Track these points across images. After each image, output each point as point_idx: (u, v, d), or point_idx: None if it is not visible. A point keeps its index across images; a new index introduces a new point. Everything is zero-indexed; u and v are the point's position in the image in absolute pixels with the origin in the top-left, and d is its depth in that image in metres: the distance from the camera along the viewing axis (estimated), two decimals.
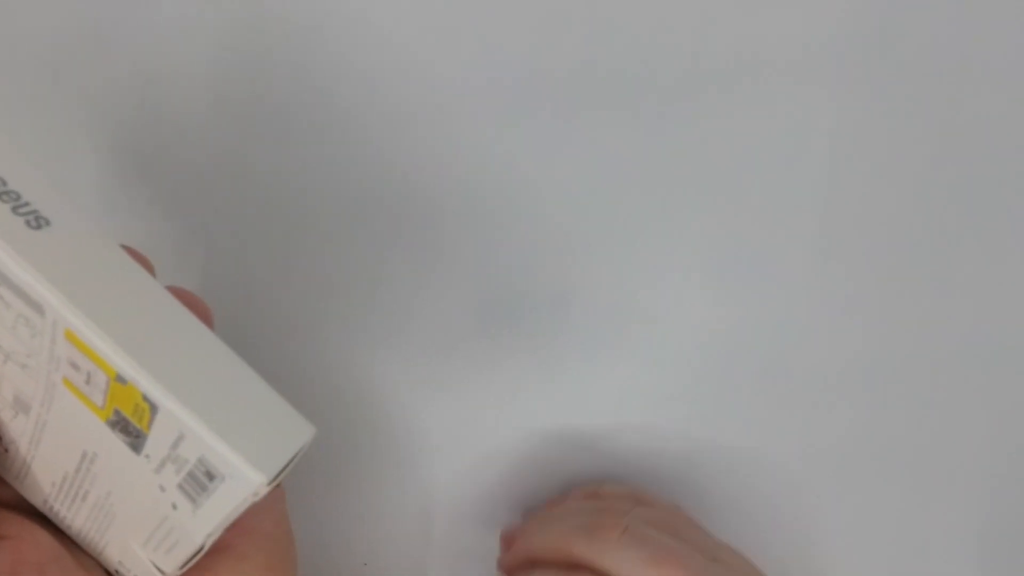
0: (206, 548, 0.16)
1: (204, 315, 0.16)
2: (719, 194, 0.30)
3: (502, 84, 0.29)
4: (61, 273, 0.13)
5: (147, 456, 0.15)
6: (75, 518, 0.18)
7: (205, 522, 0.15)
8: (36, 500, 0.18)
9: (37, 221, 0.13)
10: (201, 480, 0.14)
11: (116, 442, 0.15)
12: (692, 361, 0.30)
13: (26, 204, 0.13)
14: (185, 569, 0.17)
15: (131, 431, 0.14)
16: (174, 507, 0.15)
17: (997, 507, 0.30)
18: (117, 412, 0.14)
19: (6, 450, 0.17)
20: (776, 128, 0.30)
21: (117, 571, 0.19)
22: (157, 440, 0.14)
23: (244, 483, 0.14)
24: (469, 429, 0.31)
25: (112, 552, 0.18)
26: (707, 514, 0.32)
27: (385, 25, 0.29)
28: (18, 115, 0.30)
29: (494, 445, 0.31)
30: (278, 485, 0.14)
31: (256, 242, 0.30)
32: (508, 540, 0.28)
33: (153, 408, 0.13)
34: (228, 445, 0.13)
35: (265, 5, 0.28)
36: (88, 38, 0.29)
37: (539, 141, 0.30)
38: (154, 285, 0.15)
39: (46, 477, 0.17)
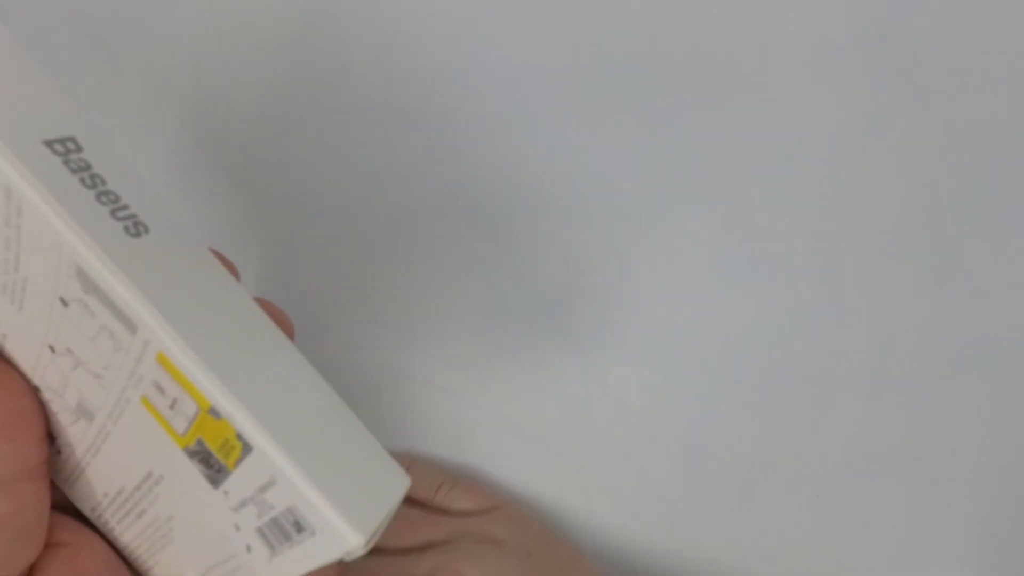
0: None
1: (288, 331, 0.16)
2: (721, 194, 0.30)
3: (500, 82, 0.29)
4: (160, 291, 0.12)
5: (226, 492, 0.14)
6: (125, 532, 0.17)
7: (281, 572, 0.14)
8: (84, 506, 0.18)
9: (136, 228, 0.12)
10: (287, 530, 0.13)
11: (192, 471, 0.14)
12: (692, 361, 0.30)
13: (125, 207, 0.12)
14: None
15: (213, 464, 0.14)
16: (248, 549, 0.14)
17: (996, 507, 0.30)
18: (200, 443, 0.13)
19: (59, 452, 0.17)
20: (778, 128, 0.30)
21: None
22: (242, 480, 0.13)
23: (338, 541, 0.13)
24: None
25: (160, 572, 0.17)
26: (707, 513, 0.32)
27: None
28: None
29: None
30: None
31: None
32: None
33: (246, 448, 0.13)
34: (328, 502, 0.12)
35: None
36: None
37: (538, 141, 0.30)
38: (248, 303, 0.14)
39: (99, 486, 0.17)
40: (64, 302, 0.13)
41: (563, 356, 0.31)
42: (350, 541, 0.12)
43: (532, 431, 0.32)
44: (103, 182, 0.12)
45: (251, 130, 0.30)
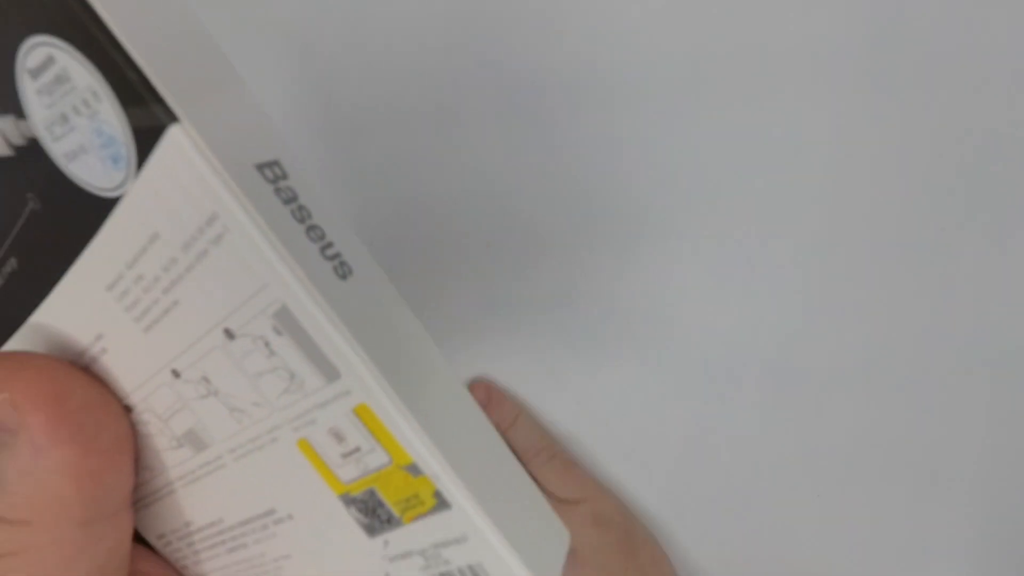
0: None
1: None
2: (721, 194, 0.30)
3: (501, 85, 0.29)
4: (372, 340, 0.11)
5: (386, 542, 0.13)
6: (203, 564, 0.16)
7: None
8: (151, 532, 0.17)
9: (343, 269, 0.11)
10: None
11: (343, 518, 0.13)
12: (693, 361, 0.30)
13: (331, 245, 0.11)
14: None
15: (379, 515, 0.13)
16: None
17: (996, 507, 0.30)
18: (372, 493, 0.13)
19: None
20: (778, 128, 0.30)
21: None
22: (417, 533, 0.13)
23: None
24: None
25: None
26: (708, 513, 0.32)
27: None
28: None
29: None
30: None
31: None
32: None
33: (442, 506, 0.12)
34: (525, 566, 0.12)
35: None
36: None
37: (539, 141, 0.30)
38: (435, 350, 0.13)
39: (183, 515, 0.16)
40: (230, 334, 0.12)
41: (562, 355, 0.31)
42: None
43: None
44: (309, 215, 0.11)
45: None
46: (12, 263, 0.13)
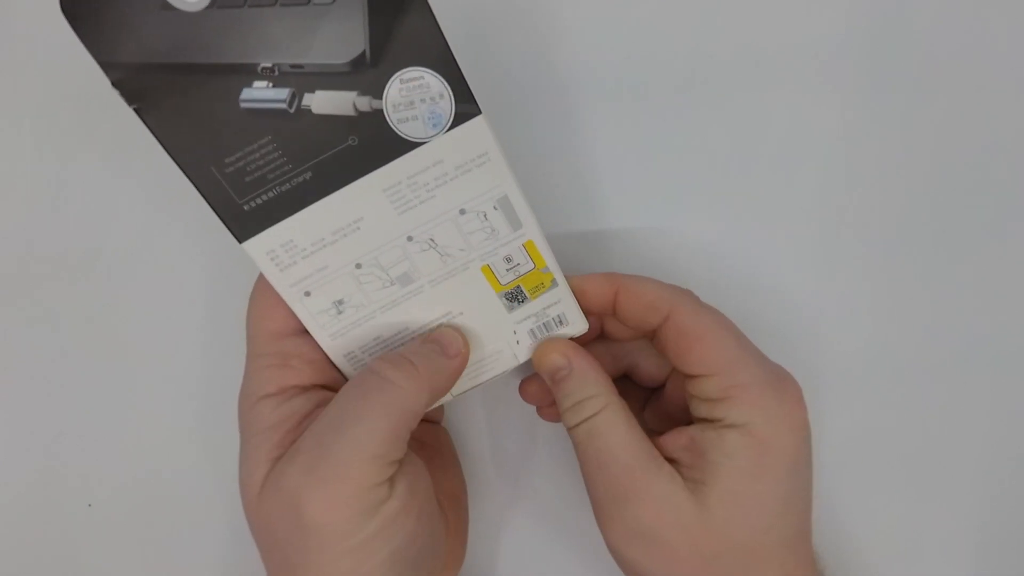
0: (507, 372, 0.26)
1: None
2: (722, 192, 0.30)
3: (501, 82, 0.29)
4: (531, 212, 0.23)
5: (515, 311, 0.25)
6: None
7: (526, 351, 0.25)
8: (338, 353, 0.24)
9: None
10: (551, 326, 0.25)
11: (495, 303, 0.24)
12: None
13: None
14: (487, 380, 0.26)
15: (518, 298, 0.24)
16: (517, 342, 0.25)
17: (996, 508, 0.30)
18: (519, 288, 0.24)
19: (340, 312, 0.24)
20: (779, 128, 0.30)
21: None
22: (536, 304, 0.25)
23: (576, 329, 0.25)
24: None
25: None
26: None
27: None
28: None
29: None
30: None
31: None
32: None
33: (553, 284, 0.24)
34: (579, 310, 0.25)
35: None
36: None
37: (540, 140, 0.30)
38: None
39: (373, 333, 0.24)
40: (463, 211, 0.23)
41: None
42: (582, 326, 0.25)
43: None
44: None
45: None
46: (306, 175, 0.22)
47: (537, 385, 0.27)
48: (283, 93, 0.20)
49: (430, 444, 0.28)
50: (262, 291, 0.24)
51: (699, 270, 0.30)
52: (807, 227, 0.30)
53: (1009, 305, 0.30)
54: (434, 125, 0.21)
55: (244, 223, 0.22)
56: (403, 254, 0.23)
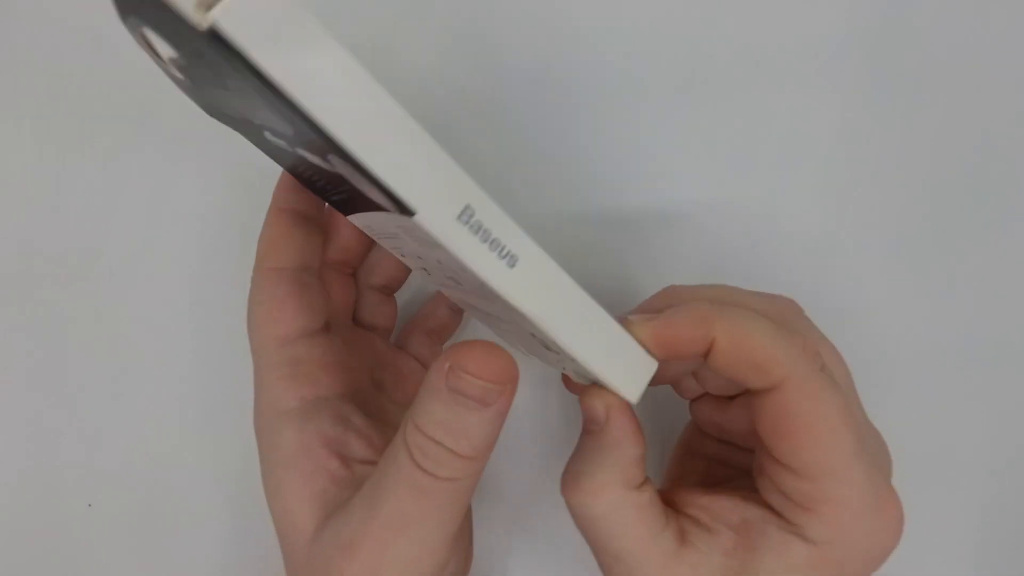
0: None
1: None
2: (721, 192, 0.30)
3: (502, 82, 0.29)
4: (534, 302, 0.18)
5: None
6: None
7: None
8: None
9: (511, 260, 0.17)
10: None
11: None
12: None
13: (499, 244, 0.17)
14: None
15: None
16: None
17: (996, 507, 0.30)
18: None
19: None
20: (778, 127, 0.30)
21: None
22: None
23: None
24: None
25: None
26: None
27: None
28: None
29: None
30: None
31: None
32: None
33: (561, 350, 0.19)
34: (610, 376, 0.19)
35: None
36: None
37: (541, 139, 0.30)
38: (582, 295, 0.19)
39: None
40: (456, 281, 0.20)
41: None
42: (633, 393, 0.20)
43: None
44: (487, 235, 0.17)
45: None
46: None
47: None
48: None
49: None
50: (262, 293, 0.22)
51: (699, 270, 0.30)
52: (807, 227, 0.30)
53: (1009, 305, 0.30)
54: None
55: None
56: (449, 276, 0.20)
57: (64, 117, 0.30)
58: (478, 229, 0.16)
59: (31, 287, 0.30)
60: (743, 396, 0.23)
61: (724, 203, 0.30)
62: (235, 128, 0.20)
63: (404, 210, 0.15)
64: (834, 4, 0.29)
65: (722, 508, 0.20)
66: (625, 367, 0.19)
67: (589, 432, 0.20)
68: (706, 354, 0.19)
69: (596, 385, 0.20)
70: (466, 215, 0.16)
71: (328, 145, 0.14)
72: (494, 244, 0.17)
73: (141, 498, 0.31)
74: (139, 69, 0.29)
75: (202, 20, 0.12)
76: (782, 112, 0.29)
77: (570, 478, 0.20)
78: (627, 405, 0.19)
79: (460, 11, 0.29)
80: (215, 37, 0.13)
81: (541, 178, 0.30)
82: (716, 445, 0.25)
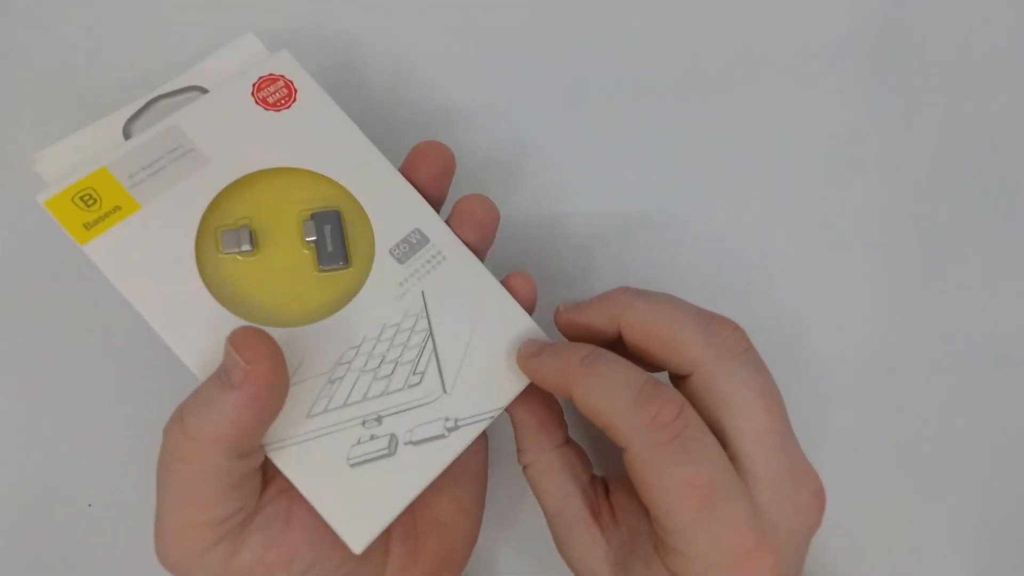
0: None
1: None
2: (722, 191, 0.30)
3: (503, 81, 0.29)
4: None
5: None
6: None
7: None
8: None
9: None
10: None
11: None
12: None
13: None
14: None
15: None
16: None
17: (996, 507, 0.30)
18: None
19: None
20: (777, 126, 0.30)
21: None
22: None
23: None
24: None
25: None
26: None
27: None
28: None
29: None
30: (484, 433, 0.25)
31: None
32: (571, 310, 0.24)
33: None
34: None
35: None
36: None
37: (541, 138, 0.30)
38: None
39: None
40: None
41: None
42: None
43: None
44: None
45: None
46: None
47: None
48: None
49: None
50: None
51: (698, 270, 0.30)
52: (806, 226, 0.30)
53: (1009, 305, 0.30)
54: None
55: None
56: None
57: (64, 117, 0.30)
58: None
59: (31, 287, 0.30)
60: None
61: (724, 203, 0.30)
62: None
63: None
64: (834, 5, 0.29)
65: (628, 507, 0.22)
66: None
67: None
68: (619, 337, 0.22)
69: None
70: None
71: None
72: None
73: (141, 498, 0.31)
74: (139, 69, 0.29)
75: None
76: (782, 112, 0.29)
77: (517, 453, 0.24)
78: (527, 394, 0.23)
79: (460, 11, 0.29)
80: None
81: (540, 178, 0.30)
82: None
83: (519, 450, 0.24)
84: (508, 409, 0.23)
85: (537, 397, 0.24)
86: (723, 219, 0.30)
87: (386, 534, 0.23)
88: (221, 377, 0.19)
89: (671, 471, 0.19)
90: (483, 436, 0.27)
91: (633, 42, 0.29)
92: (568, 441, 0.25)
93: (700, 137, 0.30)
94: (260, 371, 0.19)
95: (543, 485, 0.24)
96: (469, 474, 0.26)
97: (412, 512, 0.24)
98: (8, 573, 0.30)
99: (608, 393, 0.19)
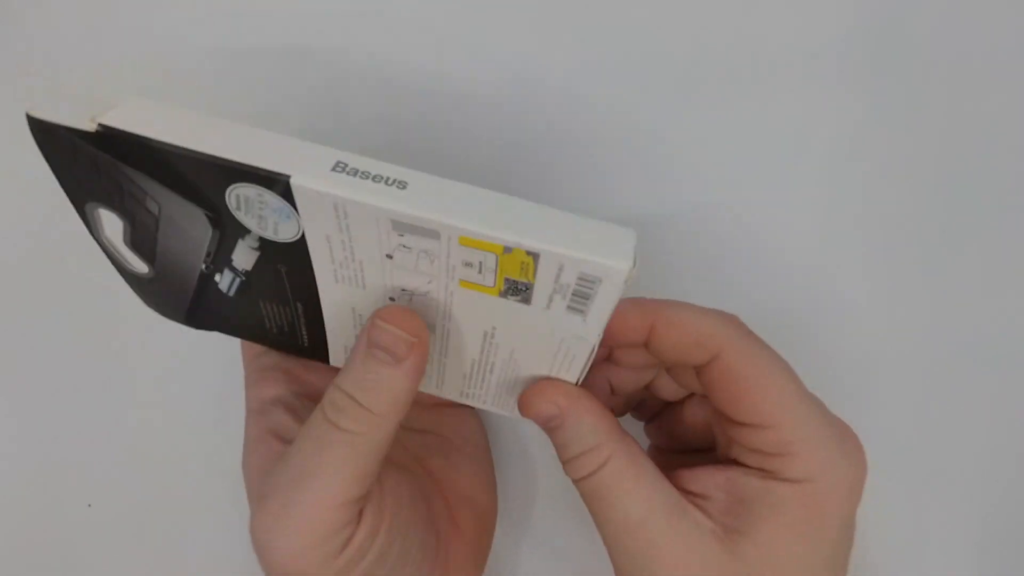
0: (596, 347, 0.20)
1: None
2: (721, 191, 0.30)
3: (504, 81, 0.29)
4: (439, 205, 0.18)
5: (537, 301, 0.19)
6: (487, 390, 0.23)
7: (594, 325, 0.20)
8: (454, 395, 0.24)
9: (400, 184, 0.18)
10: (585, 292, 0.19)
11: (510, 305, 0.20)
12: None
13: (388, 178, 0.18)
14: (585, 371, 0.21)
15: (520, 288, 0.19)
16: (567, 329, 0.20)
17: (996, 507, 0.30)
18: (507, 280, 0.19)
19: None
20: (777, 127, 0.30)
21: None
22: (543, 282, 0.19)
23: (616, 275, 0.18)
24: None
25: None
26: None
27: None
28: None
29: None
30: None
31: None
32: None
33: (535, 257, 0.18)
34: (598, 255, 0.18)
35: None
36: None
37: (541, 138, 0.30)
38: (486, 191, 0.19)
39: (458, 373, 0.23)
40: (390, 256, 0.20)
41: None
42: (622, 268, 0.18)
43: None
44: (367, 174, 0.18)
45: None
46: (299, 306, 0.22)
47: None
48: (228, 273, 0.22)
49: (446, 435, 0.27)
50: None
51: (699, 270, 0.30)
52: (807, 226, 0.30)
53: (1010, 305, 0.30)
54: (286, 215, 0.20)
55: (318, 356, 0.24)
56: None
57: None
58: (356, 173, 0.18)
59: (31, 287, 0.30)
60: (691, 398, 0.25)
61: (724, 204, 0.30)
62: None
63: (280, 181, 0.18)
64: (835, 4, 0.29)
65: (706, 477, 0.21)
66: (592, 241, 0.18)
67: (553, 430, 0.21)
68: (647, 342, 0.22)
69: (528, 394, 0.22)
70: (340, 167, 0.18)
71: (220, 175, 0.18)
72: (377, 179, 0.18)
73: (141, 498, 0.31)
74: (140, 70, 0.29)
75: (90, 124, 0.18)
76: (782, 113, 0.29)
77: (569, 464, 0.22)
78: (573, 391, 0.21)
79: (459, 11, 0.29)
80: (106, 134, 0.18)
81: (539, 179, 0.30)
82: (677, 458, 0.25)
83: (580, 453, 0.21)
84: (564, 402, 0.21)
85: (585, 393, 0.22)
86: (723, 219, 0.30)
87: (432, 518, 0.24)
88: (377, 355, 0.20)
89: (763, 353, 0.21)
90: (476, 414, 0.28)
91: (633, 42, 0.29)
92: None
93: (700, 137, 0.30)
94: (422, 344, 0.20)
95: (629, 484, 0.20)
96: (480, 450, 0.27)
97: (443, 494, 0.25)
98: (8, 573, 0.30)
99: (688, 307, 0.21)
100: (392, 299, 0.21)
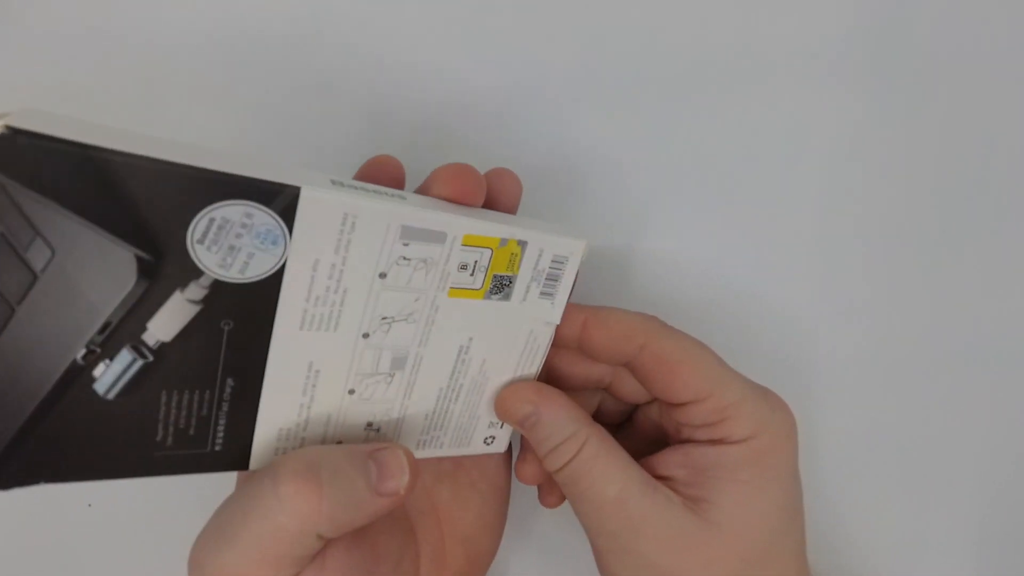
0: (553, 333, 0.23)
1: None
2: (721, 191, 0.30)
3: (503, 81, 0.29)
4: (443, 209, 0.19)
5: (516, 295, 0.22)
6: (447, 428, 0.23)
7: (559, 306, 0.23)
8: (410, 446, 0.23)
9: (402, 197, 0.19)
10: (555, 273, 0.22)
11: (492, 306, 0.21)
12: None
13: (392, 194, 0.19)
14: (543, 361, 0.23)
15: (504, 283, 0.21)
16: (537, 318, 0.22)
17: (996, 507, 0.30)
18: (494, 278, 0.21)
19: (378, 430, 0.22)
20: (777, 127, 0.30)
21: (485, 441, 0.25)
22: (525, 272, 0.21)
23: (578, 250, 0.22)
24: None
25: (482, 425, 0.24)
26: None
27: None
28: None
29: None
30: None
31: None
32: None
33: (523, 246, 0.21)
34: (566, 237, 0.21)
35: None
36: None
37: (540, 139, 0.30)
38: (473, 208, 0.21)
39: (419, 417, 0.23)
40: (383, 275, 0.19)
41: None
42: (580, 243, 0.22)
43: None
44: (366, 188, 0.19)
45: None
46: (230, 383, 0.19)
47: (535, 465, 0.25)
48: (126, 355, 0.17)
49: (464, 465, 0.26)
50: None
51: (699, 270, 0.30)
52: (807, 226, 0.30)
53: (1009, 305, 0.30)
54: (272, 241, 0.17)
55: (232, 461, 0.20)
56: (374, 350, 0.20)
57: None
58: (355, 187, 0.18)
59: None
60: (635, 412, 0.27)
61: (724, 204, 0.30)
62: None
63: (286, 193, 0.17)
64: (835, 4, 0.29)
65: (666, 458, 0.23)
66: (558, 229, 0.22)
67: (530, 427, 0.23)
68: (581, 341, 0.23)
69: (503, 396, 0.23)
70: (336, 183, 0.18)
71: (199, 193, 0.16)
72: (378, 191, 0.19)
73: (141, 498, 0.31)
74: (140, 69, 0.29)
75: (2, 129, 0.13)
76: (782, 113, 0.29)
77: (549, 456, 0.23)
78: (545, 390, 0.23)
79: (459, 11, 0.29)
80: (15, 142, 0.13)
81: (539, 180, 0.30)
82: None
83: (557, 444, 0.22)
84: (539, 400, 0.23)
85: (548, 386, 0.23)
86: (722, 219, 0.30)
87: (416, 550, 0.23)
88: (370, 479, 0.19)
89: (687, 340, 0.23)
90: (509, 452, 0.27)
91: (632, 42, 0.29)
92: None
93: (699, 137, 0.30)
94: (411, 490, 0.20)
95: (603, 465, 0.22)
96: (496, 491, 0.26)
97: (440, 528, 0.24)
98: (8, 573, 0.30)
99: (617, 311, 0.23)
100: (366, 335, 0.20)
